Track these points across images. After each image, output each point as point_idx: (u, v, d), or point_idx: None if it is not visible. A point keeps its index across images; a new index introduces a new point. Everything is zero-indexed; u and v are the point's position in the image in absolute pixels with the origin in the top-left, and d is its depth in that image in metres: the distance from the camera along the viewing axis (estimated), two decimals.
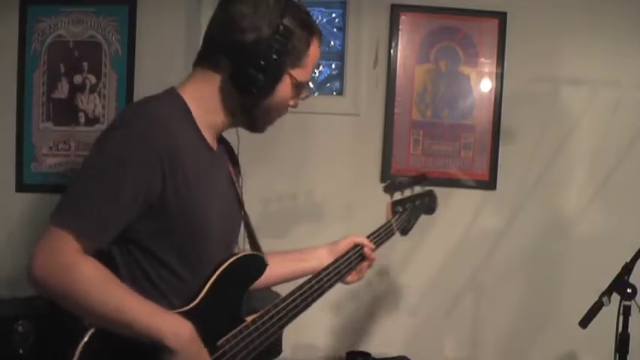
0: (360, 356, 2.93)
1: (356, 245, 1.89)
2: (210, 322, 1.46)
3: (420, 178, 2.13)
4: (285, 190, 3.01)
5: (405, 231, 2.08)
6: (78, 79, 3.08)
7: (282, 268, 1.82)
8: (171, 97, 1.49)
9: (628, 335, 2.09)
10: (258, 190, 3.00)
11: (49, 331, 2.54)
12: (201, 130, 1.51)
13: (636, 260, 2.15)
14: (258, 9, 1.46)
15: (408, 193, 2.08)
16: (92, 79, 3.08)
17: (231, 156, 1.70)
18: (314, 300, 1.71)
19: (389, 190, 2.05)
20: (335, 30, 3.23)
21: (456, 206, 3.05)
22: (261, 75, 1.45)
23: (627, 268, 2.13)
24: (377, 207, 3.09)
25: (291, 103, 1.59)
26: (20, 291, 2.76)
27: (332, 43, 3.24)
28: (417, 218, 2.13)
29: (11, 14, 3.06)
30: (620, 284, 2.11)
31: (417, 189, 2.11)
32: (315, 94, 3.26)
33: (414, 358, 2.95)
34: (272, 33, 1.45)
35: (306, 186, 3.04)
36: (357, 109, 3.08)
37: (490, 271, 3.05)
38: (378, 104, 3.07)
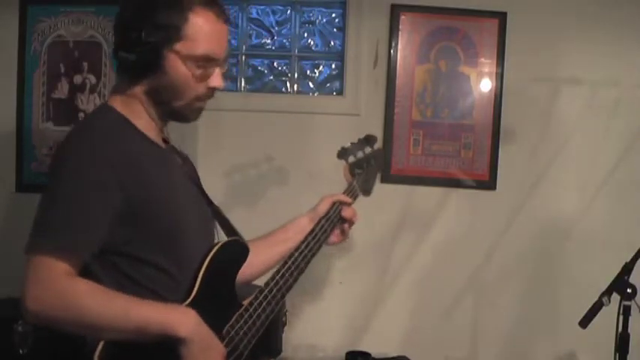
0: (360, 356, 2.92)
1: (334, 203, 1.91)
2: (211, 313, 1.47)
3: (369, 139, 2.14)
4: (285, 190, 3.01)
5: (367, 191, 2.09)
6: (78, 79, 3.09)
7: (270, 253, 1.83)
8: (105, 111, 1.53)
9: (628, 335, 2.09)
10: (258, 189, 3.00)
11: (49, 331, 2.54)
12: (143, 131, 1.54)
13: (636, 260, 2.15)
14: (128, 1, 1.54)
15: (360, 155, 2.08)
16: (92, 79, 3.08)
17: (184, 159, 1.72)
18: (306, 265, 1.75)
19: (342, 155, 2.05)
20: (335, 30, 3.23)
21: (456, 206, 3.06)
22: (130, 54, 1.48)
23: (627, 268, 2.13)
24: (377, 206, 3.10)
25: (211, 83, 1.55)
26: (20, 291, 2.77)
27: (332, 43, 3.24)
28: (375, 177, 2.16)
29: (11, 14, 3.06)
30: (620, 284, 2.11)
31: (368, 149, 2.11)
32: (315, 94, 3.26)
33: (414, 358, 2.95)
34: (132, 15, 1.50)
35: (306, 186, 3.04)
36: (357, 109, 3.08)
37: (490, 271, 3.05)
38: (378, 104, 3.07)
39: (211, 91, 1.57)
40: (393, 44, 3.05)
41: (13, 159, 3.10)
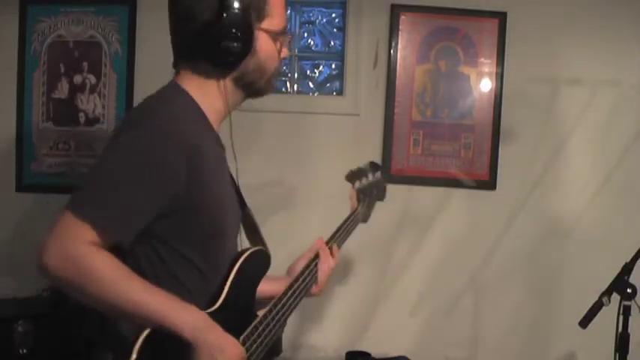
0: (360, 356, 2.93)
1: (310, 261, 1.74)
2: (233, 320, 1.46)
3: (376, 166, 2.12)
4: (284, 190, 3.01)
5: (365, 220, 2.07)
6: (78, 79, 3.09)
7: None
8: (178, 92, 1.49)
9: (628, 335, 2.09)
10: (258, 188, 3.00)
11: (49, 331, 2.54)
12: (212, 122, 1.52)
13: (636, 260, 2.15)
14: None
15: (364, 181, 2.05)
16: (92, 79, 3.08)
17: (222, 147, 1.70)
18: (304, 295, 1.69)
19: (351, 178, 2.02)
20: (335, 30, 3.23)
21: (456, 206, 3.06)
22: (234, 43, 1.44)
23: (627, 268, 2.13)
24: (377, 206, 3.09)
25: (282, 54, 1.56)
26: (20, 291, 2.77)
27: (332, 43, 3.24)
28: (373, 206, 2.13)
29: (11, 14, 3.06)
30: (620, 284, 2.11)
31: (371, 176, 2.09)
32: (315, 94, 3.26)
33: (414, 358, 2.95)
34: (220, 3, 1.44)
35: (305, 186, 3.04)
36: (357, 109, 3.08)
37: (490, 271, 3.05)
38: (378, 104, 3.07)
39: (281, 62, 1.58)
40: (393, 44, 3.05)
41: (13, 159, 3.10)
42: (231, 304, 1.47)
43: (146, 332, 1.31)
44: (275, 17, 1.51)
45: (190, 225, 1.42)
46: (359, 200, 2.01)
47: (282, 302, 1.58)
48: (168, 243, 1.41)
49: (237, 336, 1.44)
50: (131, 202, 1.33)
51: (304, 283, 1.67)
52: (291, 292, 1.61)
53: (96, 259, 1.29)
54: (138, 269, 1.36)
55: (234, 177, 1.65)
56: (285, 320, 1.61)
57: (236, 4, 1.43)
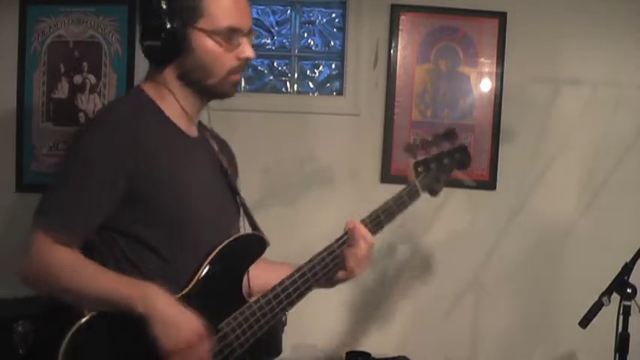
0: (360, 356, 2.93)
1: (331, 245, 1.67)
2: (209, 304, 1.46)
3: (449, 135, 1.90)
4: (284, 190, 3.01)
5: (433, 191, 1.88)
6: (78, 79, 3.09)
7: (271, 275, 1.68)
8: (137, 94, 1.58)
9: (628, 335, 2.09)
10: (257, 189, 3.00)
11: (49, 331, 2.54)
12: (172, 118, 1.57)
13: (636, 260, 2.15)
14: None
15: (434, 151, 1.86)
16: (92, 79, 3.08)
17: (222, 148, 1.72)
18: (316, 282, 1.61)
19: (410, 150, 1.85)
20: (335, 30, 3.23)
21: (456, 206, 3.05)
22: (155, 42, 1.51)
23: (627, 268, 2.13)
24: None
25: (240, 54, 1.56)
26: (20, 291, 2.76)
27: (332, 43, 3.24)
28: (447, 176, 1.92)
29: (11, 14, 3.06)
30: (620, 284, 2.11)
31: (446, 145, 1.89)
32: (315, 94, 3.26)
33: (414, 358, 2.95)
34: (151, 6, 1.52)
35: (305, 186, 3.04)
36: (357, 109, 3.08)
37: (490, 271, 3.05)
38: (378, 104, 3.07)
39: (243, 62, 1.58)
40: (393, 44, 3.05)
41: (13, 159, 3.09)
42: (209, 289, 1.48)
43: (81, 321, 1.38)
44: (219, 16, 1.52)
45: (147, 216, 1.48)
46: (417, 174, 1.84)
47: (276, 292, 1.56)
48: (127, 234, 1.48)
49: (216, 320, 1.47)
50: (76, 204, 1.45)
51: (313, 271, 1.60)
52: (289, 281, 1.58)
53: (54, 255, 1.42)
54: (102, 261, 1.46)
55: (227, 169, 1.67)
56: (284, 310, 1.58)
57: (164, 7, 1.50)
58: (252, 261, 1.61)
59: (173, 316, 1.38)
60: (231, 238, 1.56)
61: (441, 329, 3.06)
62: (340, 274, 1.67)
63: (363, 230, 1.67)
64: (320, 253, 1.64)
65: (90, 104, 3.08)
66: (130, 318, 1.37)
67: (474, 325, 3.06)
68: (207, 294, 1.48)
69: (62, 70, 3.08)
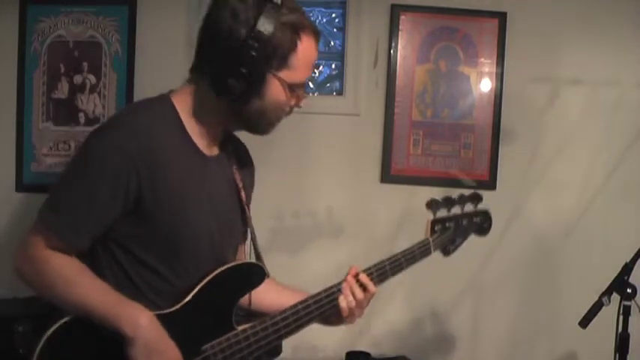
0: (360, 356, 2.92)
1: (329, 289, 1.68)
2: (196, 326, 1.47)
3: (474, 197, 1.93)
4: (284, 189, 3.01)
5: (446, 251, 1.92)
6: (78, 79, 3.09)
7: (276, 298, 1.70)
8: (162, 104, 1.51)
9: (628, 335, 2.09)
10: (257, 189, 3.00)
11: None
12: (192, 136, 1.52)
13: (636, 260, 2.15)
14: (237, 14, 1.42)
15: (454, 210, 1.88)
16: (92, 79, 3.08)
17: (240, 161, 1.69)
18: (307, 322, 1.62)
19: (432, 206, 1.86)
20: (335, 30, 3.23)
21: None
22: (238, 81, 1.43)
23: (627, 268, 2.13)
24: (377, 207, 3.10)
25: (291, 104, 1.56)
26: (20, 291, 2.76)
27: (332, 43, 3.24)
28: (463, 239, 1.95)
29: (11, 14, 3.06)
30: (620, 284, 2.11)
31: (469, 207, 1.91)
32: (315, 94, 3.26)
33: (414, 358, 2.95)
34: (245, 38, 1.41)
35: (305, 186, 3.04)
36: (357, 109, 3.08)
37: (490, 271, 3.05)
38: (378, 104, 3.07)
39: (291, 110, 1.58)
40: (393, 44, 3.05)
41: (13, 159, 3.09)
42: (197, 310, 1.47)
43: (59, 323, 1.40)
44: (297, 71, 1.49)
45: (147, 230, 1.45)
46: (432, 231, 1.87)
47: (266, 324, 1.55)
48: (125, 246, 1.46)
49: (200, 342, 1.47)
50: (81, 210, 1.42)
51: (307, 311, 1.60)
52: (280, 317, 1.57)
53: (50, 261, 1.41)
54: (98, 272, 1.45)
55: (239, 189, 1.64)
56: (270, 343, 1.55)
57: (260, 44, 1.41)
58: (246, 290, 1.60)
59: (156, 342, 1.40)
60: (228, 266, 1.54)
61: (441, 329, 3.06)
62: (334, 317, 1.70)
63: (355, 287, 1.70)
64: (318, 294, 1.64)
65: (90, 104, 3.07)
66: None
67: (473, 325, 3.06)
68: (196, 314, 1.47)
69: (62, 70, 3.08)
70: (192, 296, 1.48)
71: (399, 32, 3.04)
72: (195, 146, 1.52)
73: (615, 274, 2.14)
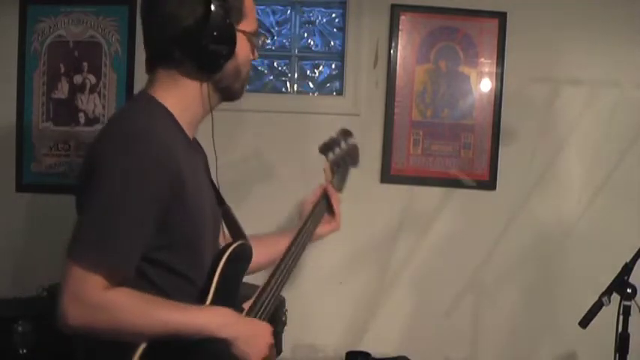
0: (360, 356, 2.93)
1: (316, 203, 1.85)
2: (232, 306, 1.49)
3: (347, 133, 2.02)
4: (284, 189, 3.01)
5: (340, 189, 2.00)
6: (78, 79, 3.09)
7: (263, 253, 1.75)
8: (150, 103, 1.47)
9: (628, 335, 2.09)
10: (256, 189, 3.00)
11: (49, 331, 2.54)
12: (185, 130, 1.50)
13: (636, 260, 2.15)
14: None
15: (337, 151, 1.97)
16: (92, 79, 3.08)
17: (199, 149, 1.66)
18: (291, 270, 1.68)
19: (325, 150, 1.94)
20: (335, 30, 3.23)
21: (456, 206, 3.05)
22: (221, 46, 1.42)
23: (627, 268, 2.13)
24: (377, 206, 3.09)
25: (254, 56, 1.55)
26: (20, 291, 2.77)
27: (332, 43, 3.24)
28: (347, 175, 2.05)
29: (11, 14, 3.06)
30: (620, 284, 2.11)
31: (343, 145, 1.99)
32: (315, 94, 3.26)
33: (414, 358, 2.95)
34: (206, 5, 1.40)
35: (305, 186, 3.04)
36: (357, 109, 3.08)
37: (490, 271, 3.05)
38: (378, 104, 3.07)
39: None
40: (393, 44, 3.05)
41: (13, 159, 3.10)
42: (220, 300, 1.48)
43: (142, 347, 1.34)
44: (250, 19, 1.49)
45: (174, 237, 1.41)
46: (333, 172, 1.93)
47: (280, 269, 1.63)
48: (152, 259, 1.39)
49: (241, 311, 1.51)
50: (128, 236, 1.32)
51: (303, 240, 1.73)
52: (289, 255, 1.66)
53: (117, 301, 1.31)
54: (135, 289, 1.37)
55: (216, 174, 1.64)
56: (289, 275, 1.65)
57: (219, 7, 1.41)
58: (246, 268, 1.62)
59: (250, 329, 1.46)
60: (229, 250, 1.53)
61: (441, 329, 3.06)
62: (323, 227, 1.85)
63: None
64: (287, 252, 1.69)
65: (90, 104, 3.08)
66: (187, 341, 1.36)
67: (473, 325, 3.06)
68: (220, 303, 1.47)
69: (62, 70, 3.08)
70: (214, 288, 1.48)
71: (399, 32, 3.04)
72: (188, 139, 1.51)
73: (615, 274, 2.14)
